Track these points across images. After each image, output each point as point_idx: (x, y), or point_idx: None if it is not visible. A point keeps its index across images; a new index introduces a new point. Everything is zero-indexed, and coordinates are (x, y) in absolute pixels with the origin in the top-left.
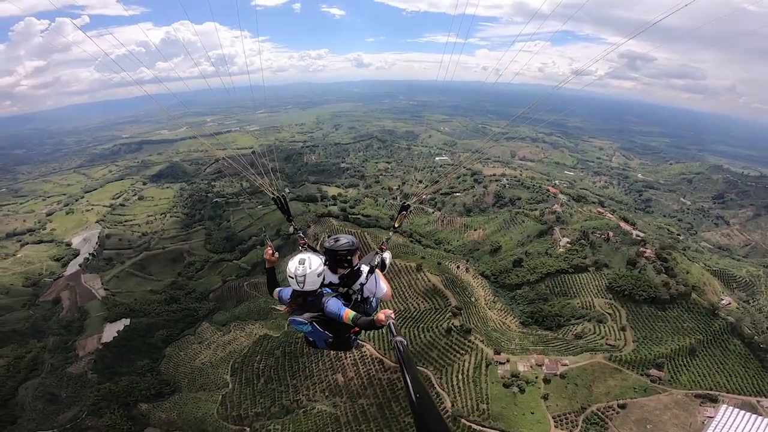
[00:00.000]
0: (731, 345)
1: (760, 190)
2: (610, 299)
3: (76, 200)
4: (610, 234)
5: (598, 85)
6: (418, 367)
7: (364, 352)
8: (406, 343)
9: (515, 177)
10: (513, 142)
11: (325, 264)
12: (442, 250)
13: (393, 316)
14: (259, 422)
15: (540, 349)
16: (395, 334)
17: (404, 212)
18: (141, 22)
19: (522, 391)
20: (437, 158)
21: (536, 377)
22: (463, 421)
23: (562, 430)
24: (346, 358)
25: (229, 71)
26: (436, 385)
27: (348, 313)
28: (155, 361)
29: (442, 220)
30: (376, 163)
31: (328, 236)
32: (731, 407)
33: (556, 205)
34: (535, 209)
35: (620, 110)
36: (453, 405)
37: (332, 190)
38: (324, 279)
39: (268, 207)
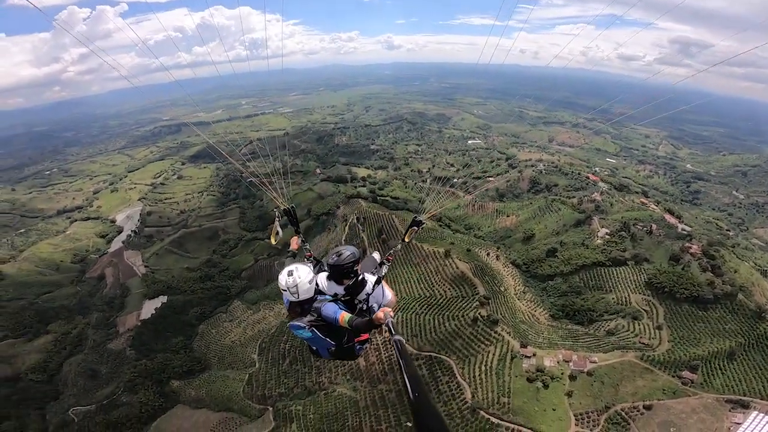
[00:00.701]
0: None
1: None
2: (648, 296)
3: (120, 179)
4: (653, 227)
5: (646, 71)
6: (440, 356)
7: (387, 337)
8: (404, 341)
9: (552, 162)
10: (551, 127)
11: (329, 279)
12: (472, 236)
13: (392, 314)
14: (282, 402)
15: (569, 345)
16: (394, 332)
17: (416, 227)
18: (177, 8)
19: (546, 386)
20: (470, 141)
21: (562, 373)
22: (481, 413)
23: (582, 428)
24: (369, 343)
25: (262, 55)
26: (457, 375)
27: (344, 316)
28: (189, 338)
29: (473, 205)
30: (406, 145)
31: (330, 252)
32: (762, 414)
33: (595, 194)
34: (573, 197)
35: (671, 98)
36: (473, 396)
37: (362, 172)
38: (320, 286)
39: (299, 187)
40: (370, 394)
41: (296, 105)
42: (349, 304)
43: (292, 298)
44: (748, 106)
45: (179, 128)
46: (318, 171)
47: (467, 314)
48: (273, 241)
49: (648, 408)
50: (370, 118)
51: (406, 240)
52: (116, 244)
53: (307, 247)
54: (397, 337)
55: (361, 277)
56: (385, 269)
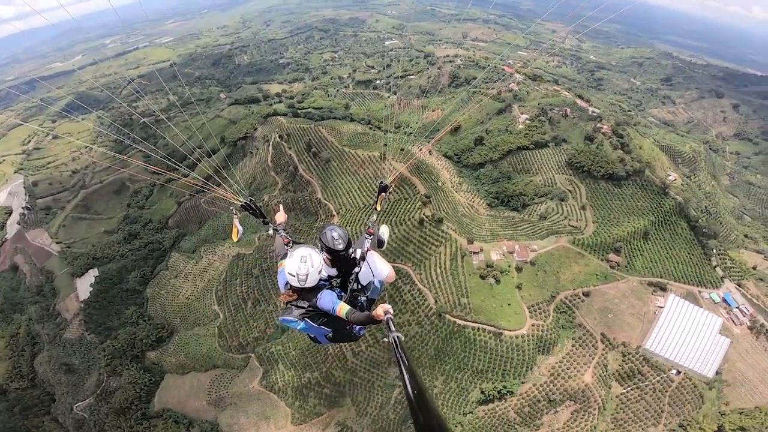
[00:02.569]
0: (679, 228)
1: (705, 77)
2: (570, 175)
3: None
4: (568, 110)
5: None
6: (397, 264)
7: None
8: (403, 338)
9: (469, 58)
10: (464, 24)
11: (325, 256)
12: (402, 134)
13: (391, 311)
14: (261, 346)
15: (509, 234)
16: (393, 329)
17: (384, 194)
18: None
19: (498, 282)
20: (387, 42)
21: (509, 266)
22: (447, 317)
23: (537, 320)
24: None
25: None
26: (416, 282)
27: (342, 308)
28: (140, 306)
29: (399, 103)
30: (321, 53)
31: (321, 230)
32: (678, 298)
33: (512, 84)
34: (492, 88)
35: None
36: (436, 301)
37: (274, 88)
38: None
39: (204, 116)
40: None
41: (177, 33)
42: (342, 284)
43: (297, 285)
44: (643, 8)
45: (33, 85)
46: (222, 95)
47: (413, 216)
48: (235, 239)
49: (586, 295)
50: (274, 32)
51: (378, 208)
52: (12, 227)
53: (282, 233)
54: (395, 334)
55: (352, 255)
56: (367, 243)
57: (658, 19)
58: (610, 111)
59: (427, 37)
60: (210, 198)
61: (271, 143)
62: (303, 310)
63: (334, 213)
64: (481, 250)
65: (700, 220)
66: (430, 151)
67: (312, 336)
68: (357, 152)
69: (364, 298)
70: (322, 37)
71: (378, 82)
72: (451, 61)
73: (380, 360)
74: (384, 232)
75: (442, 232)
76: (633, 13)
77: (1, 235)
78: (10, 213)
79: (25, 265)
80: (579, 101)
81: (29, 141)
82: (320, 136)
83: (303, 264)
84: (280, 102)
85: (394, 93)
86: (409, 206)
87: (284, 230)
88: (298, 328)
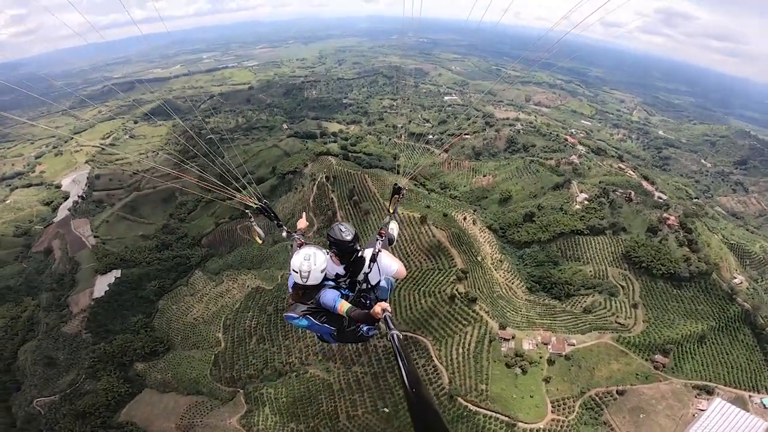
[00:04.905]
0: (740, 335)
1: None
2: (625, 269)
3: (65, 142)
4: (632, 194)
5: (625, 37)
6: (416, 335)
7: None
8: (401, 336)
9: (530, 122)
10: (528, 86)
11: (333, 253)
12: (447, 196)
13: (389, 309)
14: (252, 384)
15: (547, 324)
16: (392, 327)
17: (397, 195)
18: None
19: (524, 372)
20: (446, 97)
21: (540, 357)
22: (459, 400)
23: (558, 415)
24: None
25: (227, 8)
26: (434, 357)
27: (343, 306)
28: (148, 316)
29: (449, 163)
30: (381, 99)
31: (330, 227)
32: (724, 401)
33: (573, 156)
34: (551, 158)
35: (646, 65)
36: (450, 382)
37: (333, 126)
38: (327, 273)
39: (263, 143)
40: (344, 377)
41: (263, 58)
42: (351, 284)
43: (300, 282)
44: (719, 78)
45: (133, 86)
46: (285, 126)
47: (444, 290)
48: (259, 241)
49: (621, 393)
50: (344, 72)
51: (391, 210)
52: (62, 212)
53: (296, 236)
54: (394, 332)
55: (360, 255)
56: (379, 244)
57: (736, 91)
58: (676, 197)
59: (488, 97)
60: (246, 226)
61: (316, 183)
62: (306, 307)
63: None
64: (513, 337)
65: (767, 329)
66: (474, 221)
67: (318, 335)
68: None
69: (372, 298)
70: (385, 83)
71: (431, 136)
72: (510, 125)
73: (374, 429)
74: (393, 228)
75: (474, 312)
76: (707, 85)
77: (50, 217)
78: (66, 198)
79: (58, 251)
80: (645, 183)
81: (109, 136)
82: (364, 185)
83: (306, 261)
84: (334, 141)
85: (446, 151)
86: (442, 278)
87: (303, 236)
88: (302, 324)
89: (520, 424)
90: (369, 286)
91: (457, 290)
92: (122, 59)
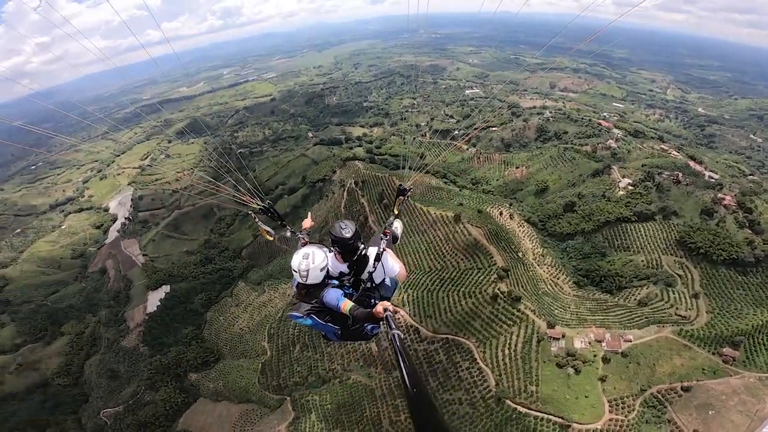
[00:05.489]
0: None
1: None
2: (681, 257)
3: (108, 165)
4: (680, 175)
5: (643, 16)
6: (458, 338)
7: (399, 319)
8: (403, 336)
9: (558, 109)
10: (552, 73)
11: (336, 251)
12: (480, 191)
13: (391, 308)
14: (298, 392)
15: (599, 320)
16: (393, 327)
17: (402, 196)
18: None
19: (578, 372)
20: (468, 91)
21: (594, 356)
22: (507, 402)
23: (617, 414)
24: (382, 324)
25: (238, 23)
26: (478, 360)
27: (346, 305)
28: (198, 327)
29: (479, 157)
30: (401, 99)
31: (333, 224)
32: None
33: (610, 141)
34: (586, 144)
35: (670, 43)
36: (497, 384)
37: (356, 131)
38: (328, 272)
39: (291, 153)
40: (385, 382)
41: (281, 69)
42: (355, 283)
43: (301, 281)
44: (752, 52)
45: (161, 106)
46: (310, 135)
47: (485, 290)
48: (270, 238)
49: (686, 390)
50: (360, 75)
51: (396, 212)
52: (112, 233)
53: (300, 236)
54: (395, 331)
55: (363, 253)
56: (383, 244)
57: None
58: (729, 176)
59: (511, 87)
60: (283, 236)
61: (346, 189)
62: (310, 307)
63: None
64: (563, 336)
65: None
66: (511, 215)
67: (323, 333)
68: (429, 210)
69: (376, 297)
70: (403, 83)
71: (456, 132)
72: (539, 113)
73: None
74: (397, 226)
75: (519, 311)
76: (742, 59)
77: (102, 239)
78: (114, 220)
79: (112, 270)
80: (692, 163)
81: (147, 157)
82: (394, 187)
83: (305, 260)
84: (359, 146)
85: (473, 145)
86: (482, 278)
87: (308, 235)
88: (305, 323)
89: (575, 425)
90: (373, 285)
91: (499, 290)
92: (148, 80)
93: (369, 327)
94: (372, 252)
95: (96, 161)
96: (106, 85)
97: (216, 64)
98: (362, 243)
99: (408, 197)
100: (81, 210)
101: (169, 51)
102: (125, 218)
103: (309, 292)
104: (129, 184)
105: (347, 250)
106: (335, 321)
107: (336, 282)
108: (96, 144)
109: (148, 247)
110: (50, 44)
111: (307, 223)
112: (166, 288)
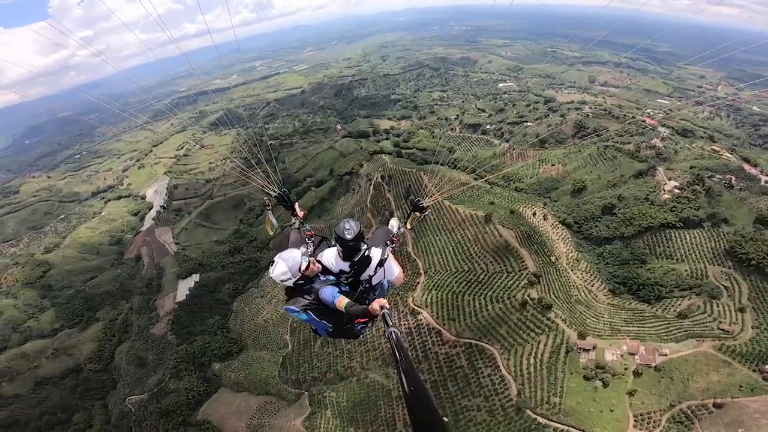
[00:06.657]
0: None
1: None
2: (729, 268)
3: (146, 155)
4: (733, 179)
5: (689, 10)
6: (482, 343)
7: (421, 320)
8: (400, 334)
9: (598, 105)
10: (591, 66)
11: (338, 249)
12: (512, 189)
13: (387, 306)
14: (316, 387)
15: (634, 332)
16: (389, 324)
17: (417, 213)
18: None
19: (605, 385)
20: (501, 84)
21: (625, 369)
22: (528, 412)
23: (640, 429)
24: (400, 325)
25: (269, 15)
26: (501, 367)
27: (341, 301)
28: (224, 317)
29: (511, 153)
30: (430, 92)
31: (339, 224)
32: None
33: (655, 139)
34: (628, 143)
35: (721, 38)
36: (519, 394)
37: (384, 123)
38: (326, 263)
39: (320, 146)
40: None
41: (311, 61)
42: (353, 283)
43: (290, 285)
44: None
45: (196, 98)
46: (339, 127)
47: (514, 295)
48: (271, 232)
49: (718, 406)
50: (389, 67)
51: (408, 227)
52: (148, 221)
53: (307, 227)
54: (392, 329)
55: (366, 254)
56: (388, 251)
57: None
58: None
59: (547, 81)
60: (307, 228)
61: (372, 183)
62: (307, 302)
63: (422, 272)
64: (594, 347)
65: None
66: (545, 216)
67: (314, 328)
68: (458, 208)
69: (370, 298)
70: (432, 75)
71: (488, 126)
72: (577, 108)
73: None
74: (393, 225)
75: (548, 320)
76: None
77: (138, 226)
78: (150, 208)
79: (146, 258)
80: (746, 166)
81: (182, 147)
82: (420, 183)
83: (270, 267)
84: (387, 139)
85: (506, 140)
86: (511, 282)
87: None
88: (301, 318)
89: None
90: (369, 286)
91: (528, 296)
92: (185, 73)
93: (358, 327)
94: (375, 254)
95: (135, 151)
96: (145, 78)
97: (250, 56)
98: (365, 243)
99: (425, 216)
100: (120, 197)
101: (203, 44)
102: (160, 206)
103: (302, 289)
104: (165, 173)
105: (348, 250)
106: (329, 318)
107: (333, 279)
108: (135, 134)
109: (180, 235)
110: (93, 38)
111: (300, 211)
112: (196, 277)
